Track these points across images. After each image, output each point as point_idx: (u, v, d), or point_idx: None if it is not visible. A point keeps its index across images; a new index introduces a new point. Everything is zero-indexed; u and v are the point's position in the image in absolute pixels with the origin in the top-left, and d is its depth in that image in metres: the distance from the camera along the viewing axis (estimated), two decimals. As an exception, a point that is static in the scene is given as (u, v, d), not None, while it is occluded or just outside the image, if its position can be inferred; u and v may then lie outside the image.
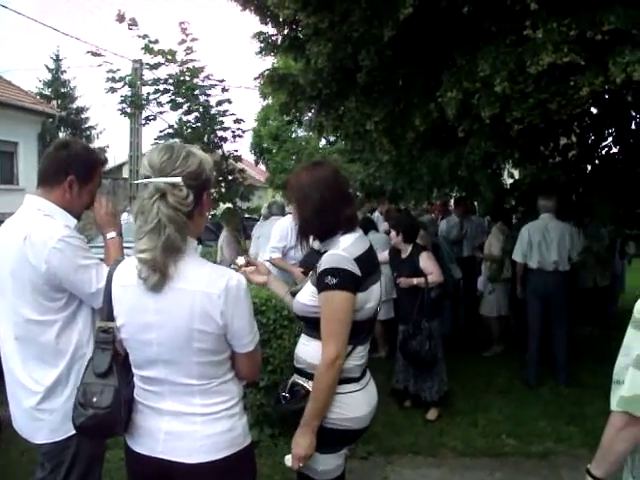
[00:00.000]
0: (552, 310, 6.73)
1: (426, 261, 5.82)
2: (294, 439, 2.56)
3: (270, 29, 7.55)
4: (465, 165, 6.73)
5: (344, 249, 2.54)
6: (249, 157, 32.51)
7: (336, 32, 6.06)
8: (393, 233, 6.03)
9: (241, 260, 2.95)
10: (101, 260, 2.71)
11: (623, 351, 2.08)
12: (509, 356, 7.44)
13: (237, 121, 7.31)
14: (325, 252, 2.59)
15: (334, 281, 2.46)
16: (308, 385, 2.57)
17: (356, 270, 2.50)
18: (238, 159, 7.87)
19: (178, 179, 2.02)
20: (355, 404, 2.62)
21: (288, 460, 2.58)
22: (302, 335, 2.75)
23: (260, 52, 7.80)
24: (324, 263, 2.52)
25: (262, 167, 34.54)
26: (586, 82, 4.53)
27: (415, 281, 5.75)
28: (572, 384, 6.50)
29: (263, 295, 4.76)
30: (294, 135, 30.93)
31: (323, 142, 26.63)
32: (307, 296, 2.61)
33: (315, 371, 2.53)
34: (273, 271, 4.86)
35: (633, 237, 6.52)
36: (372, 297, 2.61)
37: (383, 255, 6.18)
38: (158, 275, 2.02)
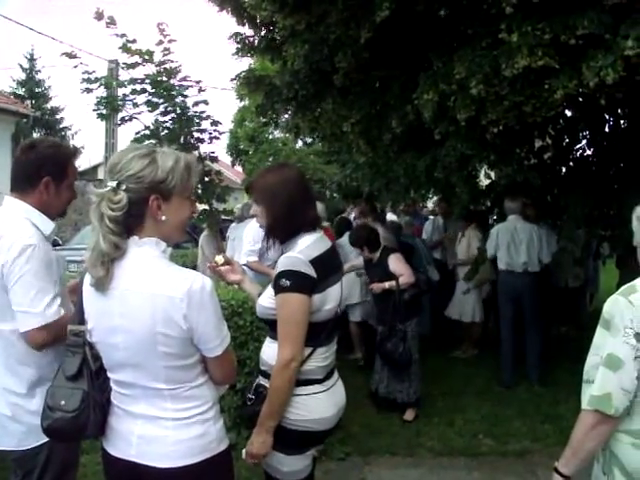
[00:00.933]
0: (523, 310, 6.79)
1: (395, 263, 5.84)
2: (252, 437, 2.59)
3: (247, 30, 7.53)
4: (441, 167, 6.77)
5: (300, 251, 2.57)
6: (225, 158, 32.39)
7: (313, 34, 6.06)
8: (359, 250, 6.12)
9: (220, 258, 2.93)
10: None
11: (593, 351, 2.12)
12: (486, 356, 7.50)
13: (214, 123, 7.28)
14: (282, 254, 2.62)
15: (288, 283, 2.49)
16: None
17: (311, 272, 2.52)
18: (214, 160, 7.84)
19: (114, 183, 2.04)
20: (318, 405, 2.63)
21: (243, 454, 2.62)
22: (267, 337, 2.79)
23: (237, 53, 7.77)
24: (280, 265, 2.54)
25: (238, 169, 34.42)
26: (560, 85, 4.57)
27: (387, 285, 5.75)
28: (547, 384, 6.57)
29: (240, 297, 4.74)
30: (271, 137, 30.86)
31: (300, 144, 26.67)
32: (267, 298, 2.64)
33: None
34: (250, 274, 4.84)
35: (607, 238, 6.59)
36: (330, 299, 2.62)
37: (359, 260, 6.22)
38: (98, 274, 2.04)
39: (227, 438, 2.31)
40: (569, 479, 2.20)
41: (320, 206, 6.80)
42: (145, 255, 2.08)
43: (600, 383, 2.06)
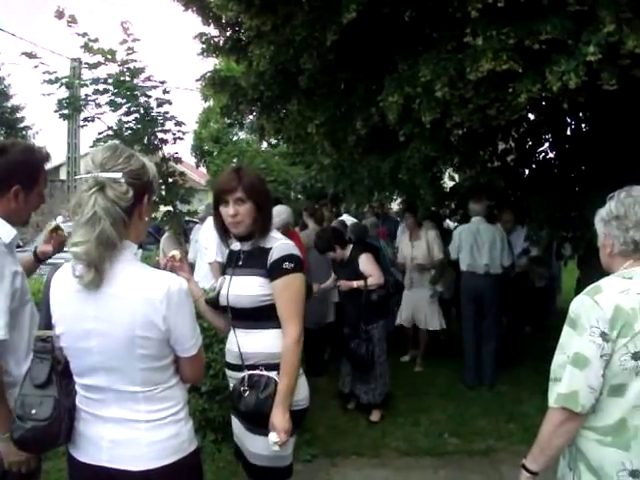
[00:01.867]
0: (484, 312, 6.86)
1: (365, 263, 5.82)
2: (273, 420, 2.68)
3: (212, 30, 7.49)
4: (406, 169, 6.83)
5: (286, 240, 2.89)
6: (190, 159, 32.17)
7: (279, 35, 6.05)
8: (330, 254, 6.03)
9: (177, 253, 2.96)
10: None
11: (559, 350, 2.16)
12: (450, 356, 7.55)
13: (178, 123, 7.22)
14: (252, 249, 2.88)
15: (292, 265, 2.76)
16: (268, 374, 2.75)
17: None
18: (178, 161, 7.77)
19: (119, 174, 2.00)
20: (304, 383, 2.93)
21: (274, 438, 2.66)
22: (244, 332, 2.88)
23: (202, 53, 7.72)
24: (279, 252, 2.78)
25: (203, 170, 34.20)
26: (524, 89, 4.63)
27: (355, 284, 5.74)
28: (512, 383, 6.64)
29: (205, 299, 4.71)
30: (235, 138, 30.74)
31: (265, 145, 26.59)
32: (255, 287, 2.79)
33: (282, 353, 2.74)
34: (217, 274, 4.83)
35: (569, 239, 6.69)
36: None
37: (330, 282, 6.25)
38: (93, 272, 1.97)
39: (196, 439, 2.30)
40: (537, 475, 2.23)
41: (287, 210, 6.81)
42: (124, 256, 2.05)
43: (567, 381, 2.09)
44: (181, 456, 2.16)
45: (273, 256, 2.77)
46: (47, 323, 2.18)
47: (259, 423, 2.76)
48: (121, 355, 2.04)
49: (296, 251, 2.84)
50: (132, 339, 2.01)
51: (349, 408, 6.00)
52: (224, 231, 2.95)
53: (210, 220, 6.45)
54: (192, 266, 6.62)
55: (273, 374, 2.75)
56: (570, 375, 2.09)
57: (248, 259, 2.89)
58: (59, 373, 2.18)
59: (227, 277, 2.96)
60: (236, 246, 3.01)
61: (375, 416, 5.76)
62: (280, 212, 6.71)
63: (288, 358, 2.73)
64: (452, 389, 6.67)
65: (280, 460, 2.86)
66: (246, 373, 2.82)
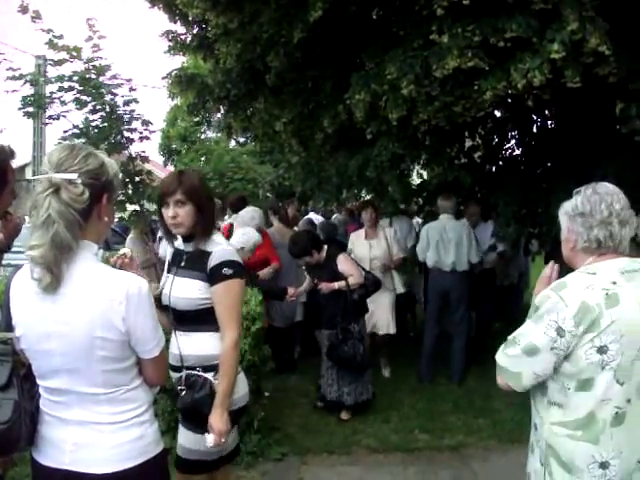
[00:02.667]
0: (452, 308, 6.90)
1: (344, 263, 5.75)
2: (211, 421, 2.80)
3: (179, 28, 7.45)
4: (373, 166, 6.82)
5: (229, 244, 3.03)
6: (157, 158, 31.90)
7: (245, 33, 6.03)
8: (306, 258, 5.83)
9: (128, 251, 2.91)
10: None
11: (518, 333, 2.27)
12: (419, 353, 7.57)
13: (144, 122, 7.15)
14: (194, 251, 2.95)
15: (231, 272, 2.85)
16: (205, 375, 2.88)
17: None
18: (145, 160, 7.69)
19: (74, 175, 1.96)
20: (242, 381, 3.05)
21: (210, 439, 2.79)
22: (184, 334, 2.98)
23: (169, 51, 7.67)
24: (218, 257, 2.86)
25: (171, 168, 33.94)
26: (489, 86, 4.67)
27: (336, 285, 5.64)
28: (481, 379, 6.68)
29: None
30: (203, 136, 30.58)
31: (233, 143, 26.49)
32: (196, 290, 2.88)
33: (221, 355, 2.85)
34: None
35: (535, 235, 6.76)
36: None
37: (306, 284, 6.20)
38: (49, 275, 1.93)
39: (162, 440, 2.27)
40: None
41: (259, 213, 6.80)
42: (82, 257, 2.02)
43: (516, 363, 2.23)
44: (146, 458, 2.13)
45: (212, 261, 2.86)
46: (8, 325, 2.13)
47: (194, 421, 2.89)
48: (82, 357, 2.00)
49: (236, 257, 2.95)
50: (92, 340, 1.98)
51: (318, 406, 5.97)
52: (169, 231, 3.01)
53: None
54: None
55: (209, 375, 2.87)
56: (519, 360, 2.20)
57: (189, 261, 2.98)
58: (21, 376, 2.14)
59: (170, 277, 3.03)
60: (180, 245, 3.08)
61: (345, 414, 5.75)
62: (254, 217, 6.69)
63: (227, 361, 2.85)
64: (422, 385, 6.70)
65: (209, 455, 2.98)
66: (184, 373, 2.93)
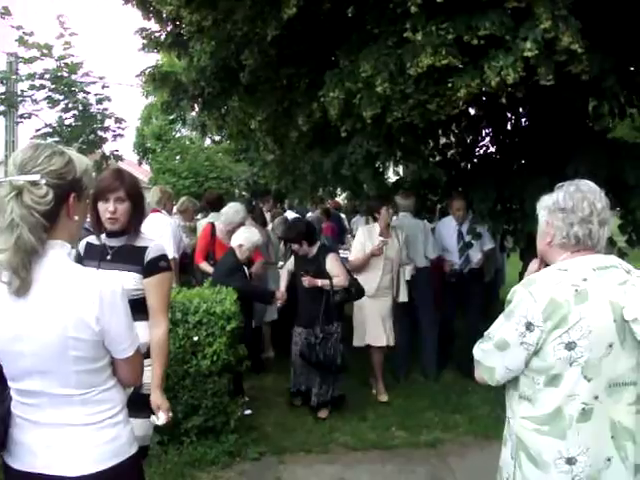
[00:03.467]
0: (417, 305, 6.92)
1: (333, 263, 5.74)
2: (157, 402, 3.09)
3: (153, 25, 7.37)
4: (348, 164, 6.83)
5: (158, 241, 3.30)
6: (132, 157, 31.70)
7: (220, 30, 6.00)
8: (295, 246, 5.88)
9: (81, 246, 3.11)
10: None
11: (492, 329, 2.30)
12: (395, 350, 7.59)
13: (118, 120, 7.10)
14: (122, 246, 3.18)
15: (165, 265, 3.19)
16: None
17: None
18: (119, 159, 7.65)
19: (37, 176, 1.92)
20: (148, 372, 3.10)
21: (162, 417, 3.06)
22: None
23: (143, 48, 7.59)
24: (155, 251, 3.17)
25: (146, 167, 33.74)
26: (463, 84, 4.69)
27: (320, 282, 5.64)
28: (457, 375, 6.72)
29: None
30: (178, 134, 30.43)
31: (208, 142, 26.39)
32: (130, 282, 3.08)
33: (156, 342, 3.13)
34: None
35: (510, 232, 6.81)
36: None
37: (291, 262, 6.15)
38: (18, 279, 1.90)
39: (136, 442, 2.25)
40: None
41: (241, 205, 6.77)
42: (53, 258, 1.99)
43: (489, 358, 2.28)
44: (120, 460, 2.11)
45: (150, 255, 3.15)
46: None
47: (135, 406, 2.91)
48: (54, 358, 1.97)
49: (167, 252, 3.35)
50: (65, 341, 1.95)
51: (295, 404, 5.96)
52: (99, 225, 3.19)
53: (152, 217, 6.40)
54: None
55: None
56: (491, 354, 2.25)
57: (118, 255, 3.18)
58: None
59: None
60: (94, 240, 3.28)
61: (323, 413, 5.75)
62: (238, 211, 6.66)
63: (163, 347, 3.16)
64: (398, 383, 6.71)
65: (148, 439, 3.34)
66: None
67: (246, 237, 5.80)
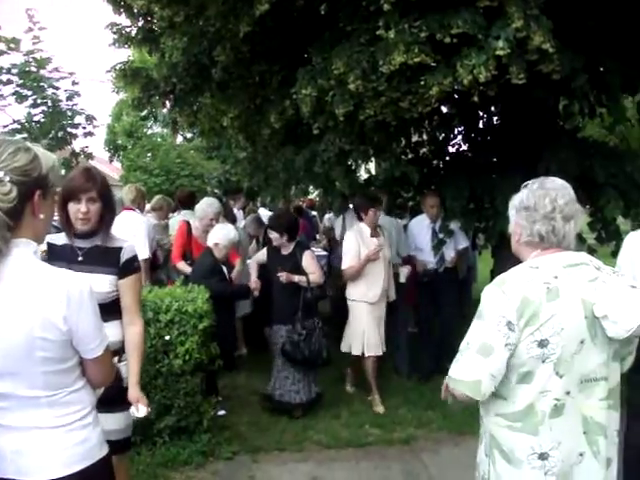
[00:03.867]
0: (390, 304, 6.91)
1: (309, 260, 5.76)
2: (135, 395, 3.15)
3: (124, 20, 7.29)
4: (321, 161, 6.81)
5: (131, 242, 3.34)
6: (103, 154, 31.38)
7: (192, 26, 5.97)
8: (275, 235, 5.80)
9: (43, 246, 3.02)
10: None
11: (468, 337, 2.23)
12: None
13: (88, 117, 7.00)
14: (93, 247, 3.17)
15: (137, 265, 3.29)
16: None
17: None
18: (89, 156, 7.54)
19: (0, 173, 1.88)
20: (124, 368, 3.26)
21: (142, 408, 3.12)
22: None
23: (114, 44, 7.48)
24: (130, 251, 3.22)
25: (117, 164, 33.41)
26: (435, 82, 4.71)
27: (296, 278, 5.63)
28: (430, 371, 6.73)
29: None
30: (150, 131, 30.18)
31: (180, 139, 26.22)
32: (106, 285, 3.13)
33: (133, 340, 3.21)
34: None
35: (482, 229, 6.84)
36: None
37: (262, 253, 6.09)
38: None
39: (106, 444, 2.21)
40: None
41: (212, 199, 6.70)
42: (18, 256, 1.94)
43: (471, 369, 2.16)
44: (90, 463, 2.07)
45: (125, 255, 3.18)
46: None
47: (112, 402, 3.03)
48: (21, 359, 1.93)
49: (142, 251, 3.51)
50: (32, 341, 1.91)
51: (265, 407, 5.84)
52: (69, 226, 3.15)
53: (126, 215, 6.33)
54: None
55: (114, 360, 2.96)
56: (474, 363, 2.15)
57: (90, 256, 3.15)
58: None
59: None
60: (57, 240, 3.23)
61: (298, 412, 5.74)
62: (211, 203, 6.56)
63: (139, 344, 3.24)
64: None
65: (129, 430, 3.36)
66: None
67: (222, 235, 5.72)
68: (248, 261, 7.37)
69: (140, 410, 3.12)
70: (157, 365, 4.60)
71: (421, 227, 6.94)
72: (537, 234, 2.22)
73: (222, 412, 5.50)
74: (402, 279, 6.62)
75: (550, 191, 2.22)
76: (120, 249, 3.19)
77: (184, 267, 6.25)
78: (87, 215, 3.07)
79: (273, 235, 5.84)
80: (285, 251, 5.86)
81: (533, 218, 2.23)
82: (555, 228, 2.20)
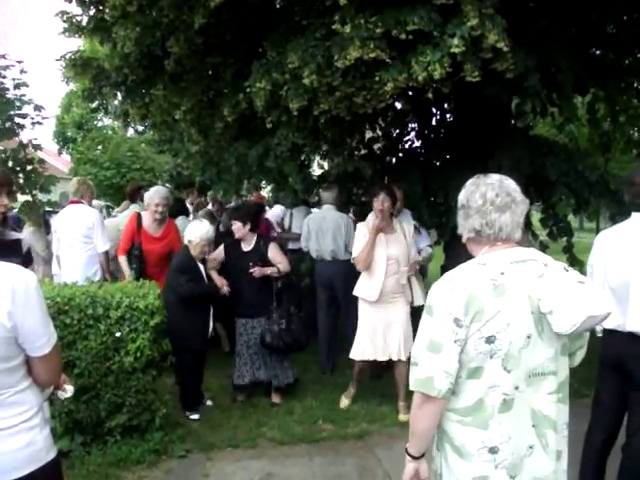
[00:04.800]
0: (337, 298, 6.96)
1: (274, 251, 5.80)
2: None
3: (75, 8, 7.12)
4: (274, 156, 6.78)
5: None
6: (51, 146, 30.75)
7: (145, 16, 5.87)
8: (238, 225, 5.75)
9: None
10: None
11: (418, 335, 2.22)
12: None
13: (37, 107, 6.81)
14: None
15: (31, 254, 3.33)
16: None
17: None
18: (38, 148, 7.34)
19: None
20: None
21: (69, 391, 2.68)
22: None
23: (64, 33, 7.29)
24: (26, 244, 3.38)
25: (66, 157, 32.81)
26: (390, 78, 4.73)
27: (269, 271, 5.69)
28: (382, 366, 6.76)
29: (65, 294, 4.48)
30: (100, 124, 29.72)
31: (131, 132, 25.85)
32: None
33: None
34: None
35: (435, 225, 6.90)
36: None
37: (219, 251, 5.95)
38: None
39: (55, 446, 2.15)
40: (419, 459, 2.27)
41: (159, 187, 6.56)
42: None
43: (423, 366, 2.16)
44: (37, 466, 2.01)
45: (25, 246, 3.37)
46: None
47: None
48: None
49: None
50: None
51: (238, 399, 5.93)
52: None
53: (70, 209, 6.18)
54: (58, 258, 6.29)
55: None
56: (426, 360, 2.15)
57: None
58: None
59: None
60: None
61: (277, 398, 5.81)
62: (157, 190, 6.40)
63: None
64: (324, 376, 6.72)
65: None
66: None
67: (194, 231, 5.54)
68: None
69: (67, 390, 2.90)
70: (108, 362, 4.51)
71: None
72: (472, 229, 2.26)
73: (196, 416, 5.43)
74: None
75: (481, 186, 2.25)
76: (19, 240, 3.41)
77: (124, 264, 6.04)
78: (5, 208, 3.15)
79: (236, 226, 5.77)
80: (247, 247, 5.84)
81: (467, 214, 2.27)
82: (489, 221, 2.22)
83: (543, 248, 5.77)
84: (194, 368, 5.56)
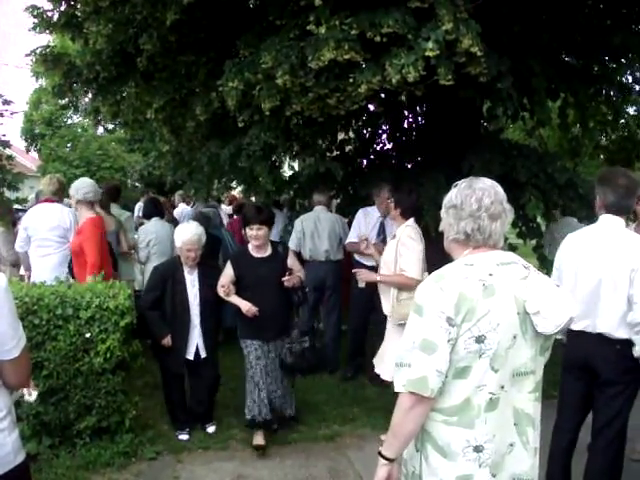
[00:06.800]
0: (327, 298, 6.98)
1: (294, 258, 5.30)
2: None
3: (45, 3, 7.01)
4: (246, 155, 6.75)
5: None
6: (19, 143, 30.30)
7: (117, 13, 5.82)
8: (265, 230, 4.87)
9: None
10: None
11: (406, 336, 2.21)
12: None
13: (5, 102, 6.71)
14: None
15: None
16: None
17: None
18: (5, 145, 7.23)
19: None
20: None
21: (33, 394, 2.65)
22: None
23: (34, 28, 7.17)
24: None
25: (34, 154, 32.36)
26: (364, 80, 4.74)
27: (297, 279, 4.93)
28: (354, 368, 6.76)
29: (34, 294, 4.42)
30: (70, 121, 29.38)
31: (101, 130, 25.60)
32: None
33: None
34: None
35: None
36: None
37: (228, 269, 5.04)
38: None
39: (24, 449, 2.11)
40: (393, 461, 2.26)
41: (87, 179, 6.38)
42: None
43: (416, 366, 2.14)
44: (6, 470, 1.98)
45: None
46: None
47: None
48: None
49: None
50: None
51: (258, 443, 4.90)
52: None
53: (40, 208, 6.05)
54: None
55: None
56: (418, 360, 2.14)
57: None
58: None
59: None
60: None
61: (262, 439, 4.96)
62: (89, 183, 5.90)
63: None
64: (297, 378, 6.68)
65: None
66: None
67: (176, 234, 5.09)
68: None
69: (32, 394, 2.73)
70: (77, 364, 4.46)
71: (371, 218, 6.65)
72: (463, 232, 2.27)
73: (185, 437, 5.08)
74: (361, 284, 5.87)
75: (477, 190, 2.26)
76: None
77: None
78: None
79: (264, 231, 4.87)
80: (261, 253, 4.98)
81: (459, 216, 2.28)
82: (481, 227, 2.24)
83: (512, 249, 5.82)
84: (174, 387, 5.21)
